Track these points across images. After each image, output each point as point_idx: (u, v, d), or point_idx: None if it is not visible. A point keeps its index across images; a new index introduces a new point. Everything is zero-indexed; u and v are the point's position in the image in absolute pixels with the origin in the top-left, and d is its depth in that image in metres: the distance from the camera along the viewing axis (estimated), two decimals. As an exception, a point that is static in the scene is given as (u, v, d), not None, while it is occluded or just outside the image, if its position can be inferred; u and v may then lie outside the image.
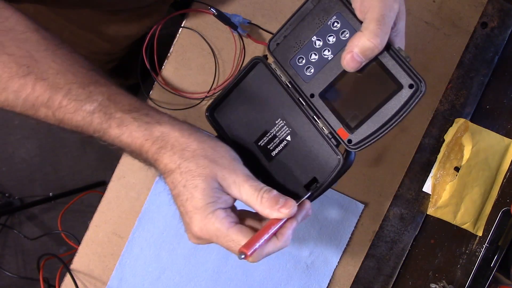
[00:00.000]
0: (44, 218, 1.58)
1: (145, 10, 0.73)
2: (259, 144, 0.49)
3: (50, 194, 1.49)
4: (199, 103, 0.68)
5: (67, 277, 0.67)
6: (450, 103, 0.72)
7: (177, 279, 0.68)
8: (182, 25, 0.68)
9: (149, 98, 0.68)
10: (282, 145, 0.48)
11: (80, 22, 0.71)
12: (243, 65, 0.68)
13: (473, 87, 0.72)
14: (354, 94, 0.44)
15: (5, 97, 0.42)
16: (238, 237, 0.41)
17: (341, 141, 0.45)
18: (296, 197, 0.45)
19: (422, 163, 0.72)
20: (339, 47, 0.44)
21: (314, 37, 0.45)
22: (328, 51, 0.44)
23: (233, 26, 0.64)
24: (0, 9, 0.43)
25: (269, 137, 0.49)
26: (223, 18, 0.64)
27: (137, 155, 0.44)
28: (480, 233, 0.73)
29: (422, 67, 0.71)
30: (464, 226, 0.72)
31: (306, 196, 0.45)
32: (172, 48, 0.69)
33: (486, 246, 0.73)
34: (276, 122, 0.48)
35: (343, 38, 0.43)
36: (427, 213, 0.72)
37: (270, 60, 0.49)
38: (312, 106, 0.46)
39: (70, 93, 0.41)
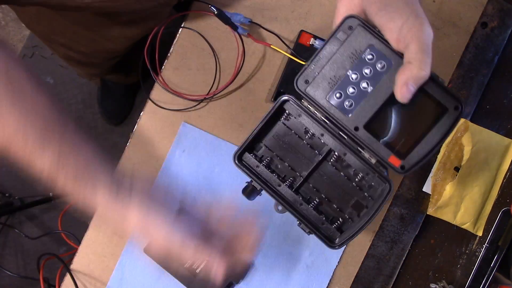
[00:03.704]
0: (44, 218, 1.58)
1: (148, 13, 0.73)
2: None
3: (50, 194, 1.49)
4: (198, 103, 0.68)
5: (67, 277, 0.67)
6: (450, 103, 0.72)
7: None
8: (182, 25, 0.68)
9: (149, 98, 0.68)
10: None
11: (83, 24, 0.71)
12: (243, 66, 0.68)
13: (473, 87, 0.72)
14: (400, 122, 0.45)
15: None
16: None
17: (393, 168, 0.46)
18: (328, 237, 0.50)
19: (422, 163, 0.72)
20: (377, 79, 0.44)
21: (350, 71, 0.44)
22: (367, 83, 0.44)
23: (233, 26, 0.64)
24: None
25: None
26: (224, 17, 0.64)
27: None
28: (480, 233, 0.73)
29: (422, 67, 0.71)
30: (464, 226, 0.72)
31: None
32: (172, 48, 0.69)
33: (486, 246, 0.73)
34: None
35: (380, 70, 0.43)
36: (427, 213, 0.72)
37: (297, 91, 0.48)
38: (358, 139, 0.46)
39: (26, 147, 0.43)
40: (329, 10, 0.69)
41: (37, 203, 1.43)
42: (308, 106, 0.47)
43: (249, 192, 0.50)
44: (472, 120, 0.72)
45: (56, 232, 1.52)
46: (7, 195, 1.55)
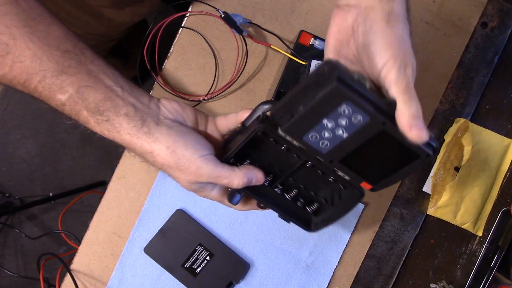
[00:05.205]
0: (44, 218, 1.58)
1: None
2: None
3: (50, 194, 1.50)
4: (198, 103, 0.68)
5: (67, 277, 0.67)
6: (450, 103, 0.72)
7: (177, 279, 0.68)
8: (182, 25, 0.68)
9: (149, 98, 0.68)
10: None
11: (75, 4, 0.71)
12: (245, 67, 0.68)
13: (473, 87, 0.72)
14: (372, 162, 0.46)
15: None
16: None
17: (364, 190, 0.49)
18: (305, 221, 0.53)
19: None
20: (352, 128, 0.43)
21: (325, 120, 0.43)
22: (342, 131, 0.44)
23: (238, 30, 0.64)
24: None
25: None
26: (230, 21, 0.64)
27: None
28: (480, 233, 0.73)
29: (422, 67, 0.71)
30: (464, 226, 0.72)
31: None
32: (172, 48, 0.69)
33: (486, 246, 0.73)
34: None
35: (355, 121, 0.43)
36: (427, 213, 0.72)
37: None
38: (332, 167, 0.47)
39: (44, 81, 0.43)
40: (329, 10, 0.70)
41: (37, 203, 1.43)
42: (285, 135, 0.47)
43: (230, 195, 0.51)
44: (472, 120, 0.72)
45: (56, 232, 1.53)
46: (7, 195, 1.55)
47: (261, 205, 0.52)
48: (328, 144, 0.45)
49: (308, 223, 0.53)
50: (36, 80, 0.42)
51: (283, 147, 0.49)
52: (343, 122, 0.43)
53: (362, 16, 0.44)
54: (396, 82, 0.41)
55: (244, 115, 0.51)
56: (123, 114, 0.45)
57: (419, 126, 0.40)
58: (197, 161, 0.46)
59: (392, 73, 0.41)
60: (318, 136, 0.44)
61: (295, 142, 0.47)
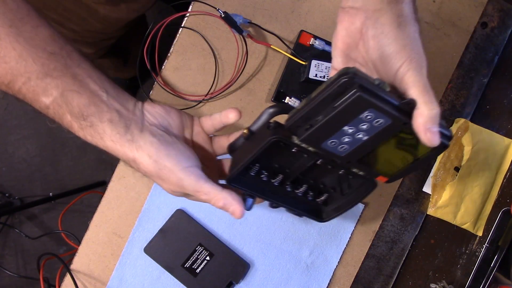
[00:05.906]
0: (44, 218, 1.58)
1: None
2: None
3: (50, 194, 1.49)
4: (198, 104, 0.68)
5: (67, 277, 0.67)
6: (450, 103, 0.72)
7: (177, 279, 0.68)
8: (182, 25, 0.68)
9: (149, 98, 0.68)
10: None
11: (72, 0, 0.71)
12: (245, 67, 0.68)
13: (473, 87, 0.72)
14: (389, 157, 0.46)
15: None
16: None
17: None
18: (316, 212, 0.54)
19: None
20: (373, 131, 0.43)
21: (346, 126, 0.43)
22: (362, 135, 0.44)
23: (238, 30, 0.64)
24: None
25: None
26: (230, 20, 0.64)
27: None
28: (480, 233, 0.73)
29: (422, 67, 0.71)
30: (464, 226, 0.72)
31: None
32: (172, 48, 0.69)
33: (486, 246, 0.73)
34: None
35: (377, 124, 0.43)
36: (427, 213, 0.72)
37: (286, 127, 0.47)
38: (347, 166, 0.48)
39: (29, 83, 0.42)
40: (329, 10, 0.70)
41: (37, 203, 1.43)
42: (299, 143, 0.46)
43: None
44: (472, 120, 0.72)
45: (56, 232, 1.53)
46: (7, 195, 1.56)
47: (274, 205, 0.52)
48: (347, 147, 0.45)
49: (320, 214, 0.54)
50: (20, 81, 0.42)
51: (293, 149, 0.48)
52: (364, 126, 0.43)
53: (371, 19, 0.44)
54: (414, 84, 0.42)
55: (228, 114, 0.50)
56: (107, 120, 0.44)
57: (433, 130, 0.41)
58: (178, 173, 0.45)
59: (409, 74, 0.42)
60: (337, 142, 0.44)
61: (310, 148, 0.46)
